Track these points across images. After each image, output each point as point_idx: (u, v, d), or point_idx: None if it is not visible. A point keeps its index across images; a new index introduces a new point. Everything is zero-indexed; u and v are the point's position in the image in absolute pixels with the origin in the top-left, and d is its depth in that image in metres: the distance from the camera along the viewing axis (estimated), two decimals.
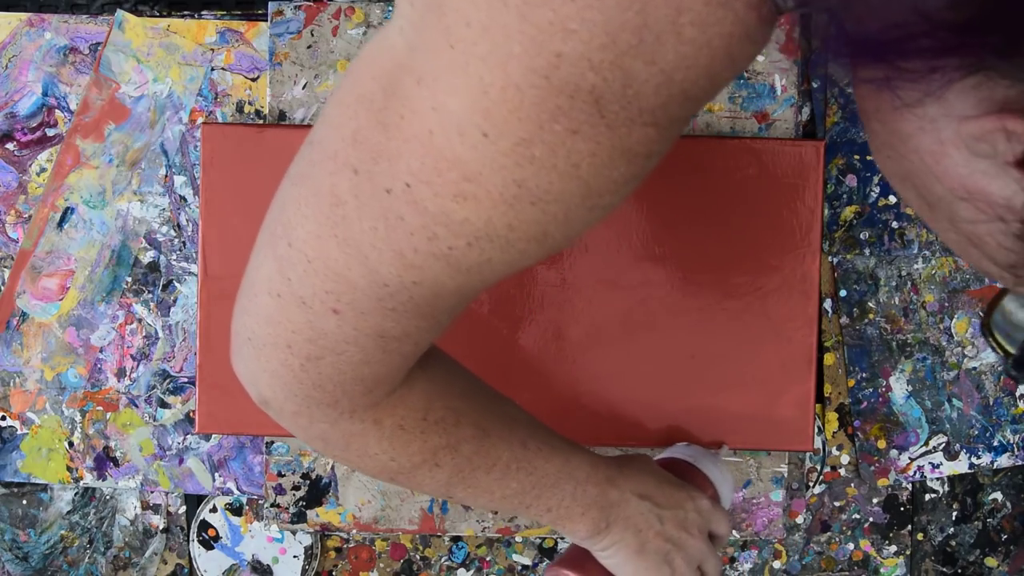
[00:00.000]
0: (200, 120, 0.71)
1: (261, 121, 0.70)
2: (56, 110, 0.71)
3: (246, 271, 0.42)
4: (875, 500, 0.74)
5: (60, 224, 0.71)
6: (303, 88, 0.69)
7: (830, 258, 0.72)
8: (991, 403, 0.73)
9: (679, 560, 0.56)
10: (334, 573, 0.75)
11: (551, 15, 0.29)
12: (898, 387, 0.73)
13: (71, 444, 0.73)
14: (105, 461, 0.73)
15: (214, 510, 0.74)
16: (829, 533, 0.75)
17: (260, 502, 0.73)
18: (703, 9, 0.29)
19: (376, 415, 0.45)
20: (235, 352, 0.45)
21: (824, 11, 0.31)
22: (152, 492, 0.74)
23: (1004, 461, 0.74)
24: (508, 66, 0.30)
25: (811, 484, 0.74)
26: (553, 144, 0.30)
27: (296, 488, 0.71)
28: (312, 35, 0.69)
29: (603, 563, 0.56)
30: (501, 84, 0.30)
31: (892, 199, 0.72)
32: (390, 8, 0.69)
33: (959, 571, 0.76)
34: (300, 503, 0.71)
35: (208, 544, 0.74)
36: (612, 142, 0.31)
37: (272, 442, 0.71)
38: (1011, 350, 0.34)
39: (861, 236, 0.72)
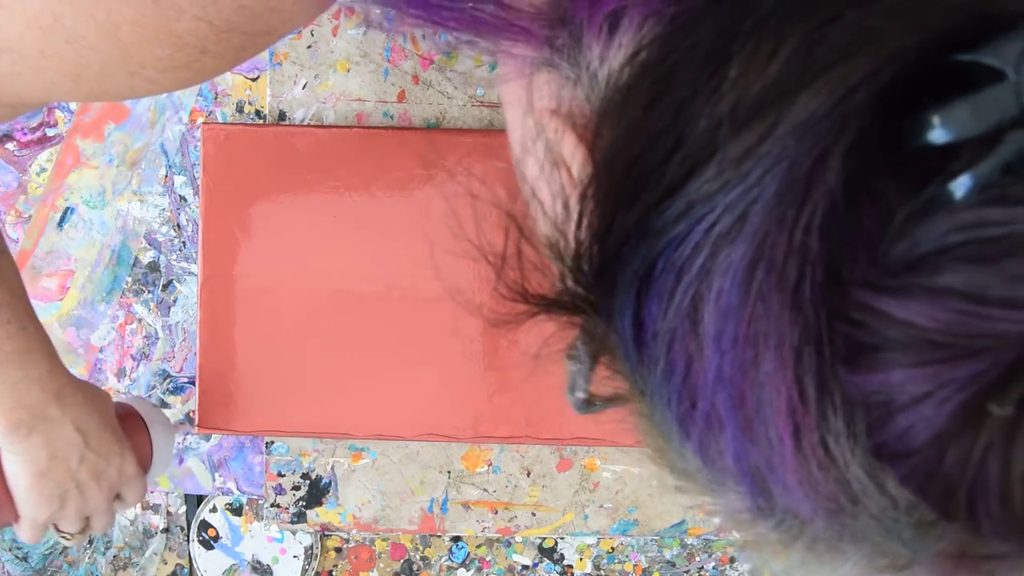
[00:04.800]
0: (200, 120, 0.71)
1: (261, 121, 0.70)
2: (56, 110, 0.71)
3: None
4: None
5: (60, 224, 0.71)
6: (303, 88, 0.69)
7: None
8: None
9: (72, 503, 0.56)
10: (334, 573, 0.75)
11: None
12: None
13: None
14: None
15: (214, 510, 0.74)
16: None
17: (260, 502, 0.73)
18: None
19: None
20: None
21: None
22: (152, 492, 0.74)
23: None
24: None
25: None
26: None
27: (296, 488, 0.71)
28: (312, 35, 0.69)
29: (4, 466, 0.54)
30: None
31: None
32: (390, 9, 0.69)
33: None
34: (300, 503, 0.71)
35: (208, 544, 0.74)
36: (158, 20, 0.31)
37: (272, 442, 0.71)
38: None
39: None
